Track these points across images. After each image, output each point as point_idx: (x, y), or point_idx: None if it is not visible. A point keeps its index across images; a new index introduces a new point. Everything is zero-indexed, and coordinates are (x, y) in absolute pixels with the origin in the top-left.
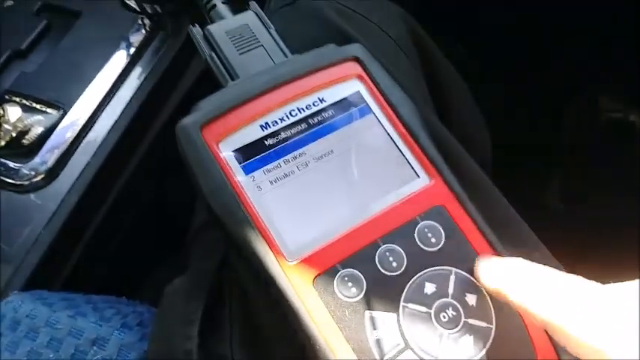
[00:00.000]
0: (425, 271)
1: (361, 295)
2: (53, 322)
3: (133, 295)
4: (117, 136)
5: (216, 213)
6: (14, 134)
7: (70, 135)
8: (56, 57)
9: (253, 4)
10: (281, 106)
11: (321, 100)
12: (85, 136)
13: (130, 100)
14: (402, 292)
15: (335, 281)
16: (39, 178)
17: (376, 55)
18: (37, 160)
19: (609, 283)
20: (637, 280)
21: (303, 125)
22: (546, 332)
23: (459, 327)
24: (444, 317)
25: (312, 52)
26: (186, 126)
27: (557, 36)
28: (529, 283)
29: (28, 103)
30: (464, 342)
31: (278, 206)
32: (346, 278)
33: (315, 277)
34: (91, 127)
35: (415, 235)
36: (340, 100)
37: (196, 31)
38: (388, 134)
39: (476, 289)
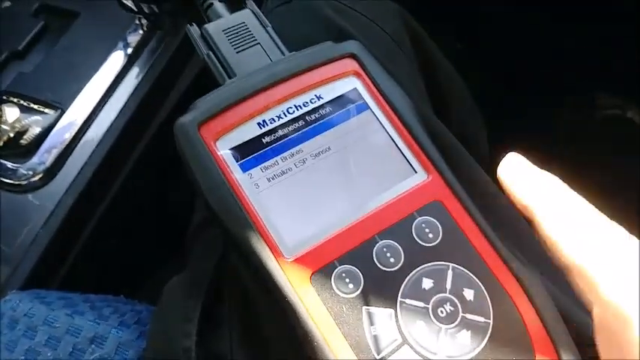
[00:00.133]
0: (422, 266)
1: (359, 291)
2: (51, 320)
3: (134, 295)
4: (114, 135)
5: (214, 210)
6: (12, 134)
7: (68, 135)
8: (54, 57)
9: (250, 3)
10: (278, 103)
11: (319, 98)
12: (83, 136)
13: (128, 100)
14: (400, 287)
15: (332, 277)
16: (37, 178)
17: (373, 51)
18: (34, 160)
19: None
20: None
21: (301, 122)
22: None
23: (457, 322)
24: (442, 312)
25: (309, 49)
26: (183, 124)
27: (555, 35)
28: (567, 211)
29: (25, 104)
30: (462, 337)
31: (275, 203)
32: (344, 274)
33: (313, 273)
34: (89, 127)
35: (412, 230)
36: (337, 97)
37: (193, 29)
38: (385, 131)
39: (473, 283)
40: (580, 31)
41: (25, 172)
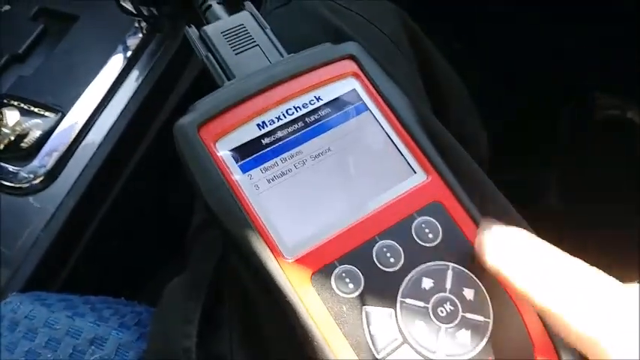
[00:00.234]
0: (422, 266)
1: (359, 291)
2: (51, 322)
3: (135, 297)
4: (115, 138)
5: (214, 212)
6: (13, 138)
7: (68, 138)
8: (53, 61)
9: (249, 5)
10: (277, 105)
11: (318, 99)
12: (83, 138)
13: (128, 103)
14: (400, 287)
15: (332, 278)
16: (37, 181)
17: (371, 51)
18: (35, 163)
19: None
20: None
21: (300, 124)
22: (543, 322)
23: (457, 321)
24: (442, 312)
25: (308, 50)
26: (183, 126)
27: (553, 35)
28: (531, 263)
29: (26, 107)
30: (461, 336)
31: (275, 204)
32: (344, 274)
33: (313, 274)
34: (89, 129)
35: (412, 231)
36: (336, 98)
37: (192, 32)
38: (385, 131)
39: (473, 283)
40: (580, 31)
41: (25, 175)
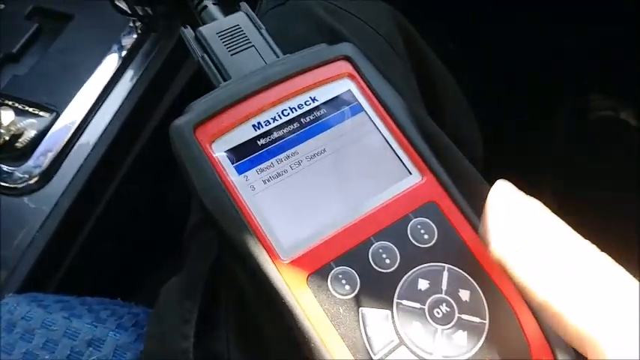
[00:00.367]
0: (418, 267)
1: (355, 293)
2: (49, 323)
3: (132, 297)
4: (110, 138)
5: (210, 212)
6: (7, 138)
7: (63, 138)
8: (48, 60)
9: (244, 5)
10: (273, 105)
11: (313, 100)
12: (78, 138)
13: (123, 103)
14: (396, 288)
15: (329, 279)
16: (32, 181)
17: (366, 52)
18: (30, 163)
19: None
20: None
21: (295, 125)
22: (539, 323)
23: (453, 323)
24: (438, 313)
25: (303, 51)
26: (179, 127)
27: (548, 36)
28: (532, 254)
29: (20, 107)
30: (458, 338)
31: (271, 205)
32: (340, 276)
33: (309, 275)
34: (84, 129)
35: (408, 231)
36: (332, 99)
37: (188, 32)
38: (380, 132)
39: (469, 284)
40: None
41: (20, 176)
